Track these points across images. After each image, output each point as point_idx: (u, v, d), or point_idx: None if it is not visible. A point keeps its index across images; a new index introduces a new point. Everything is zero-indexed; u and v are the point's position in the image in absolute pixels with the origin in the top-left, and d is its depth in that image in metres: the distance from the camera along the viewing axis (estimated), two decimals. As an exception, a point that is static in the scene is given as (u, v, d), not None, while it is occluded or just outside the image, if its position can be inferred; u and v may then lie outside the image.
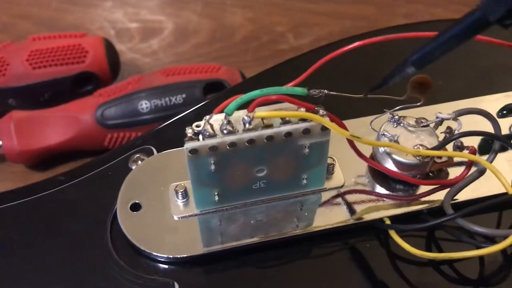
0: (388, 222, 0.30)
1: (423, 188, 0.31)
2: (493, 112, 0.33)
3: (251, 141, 0.27)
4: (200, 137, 0.27)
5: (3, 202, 0.32)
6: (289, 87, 0.27)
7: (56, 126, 0.42)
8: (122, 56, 0.50)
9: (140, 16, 0.55)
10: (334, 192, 0.31)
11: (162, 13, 0.56)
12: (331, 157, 0.31)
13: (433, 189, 0.30)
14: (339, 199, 0.31)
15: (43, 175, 0.43)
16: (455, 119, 0.30)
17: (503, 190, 0.29)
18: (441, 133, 0.31)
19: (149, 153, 0.33)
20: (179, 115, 0.36)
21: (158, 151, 0.33)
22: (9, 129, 0.41)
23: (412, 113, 0.31)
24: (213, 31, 0.54)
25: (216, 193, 0.29)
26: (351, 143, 0.29)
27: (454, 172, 0.31)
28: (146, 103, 0.42)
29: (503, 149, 0.32)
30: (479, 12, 0.23)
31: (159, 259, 0.29)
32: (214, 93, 0.43)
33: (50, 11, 0.55)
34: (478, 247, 0.29)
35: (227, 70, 0.44)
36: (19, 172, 0.44)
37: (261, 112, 0.26)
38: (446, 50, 0.25)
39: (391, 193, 0.31)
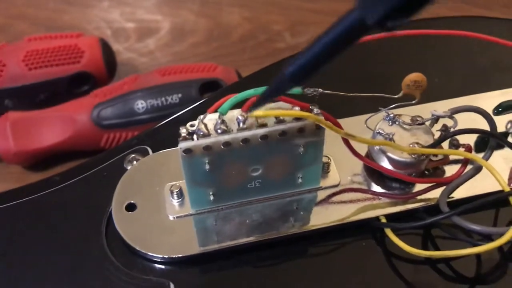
0: (384, 220, 0.30)
1: (419, 186, 0.31)
2: (489, 110, 0.32)
3: (245, 140, 0.27)
4: (194, 136, 0.26)
5: (-2, 203, 0.32)
6: (283, 86, 0.27)
7: (53, 126, 0.42)
8: (119, 56, 0.50)
9: (137, 15, 0.55)
10: (329, 191, 0.31)
11: (159, 13, 0.55)
12: (327, 156, 0.31)
13: (429, 187, 0.30)
14: (335, 198, 0.31)
15: (39, 175, 0.43)
16: (450, 117, 0.30)
17: (499, 188, 0.29)
18: (437, 131, 0.31)
19: (145, 153, 0.33)
20: (174, 115, 0.36)
21: (153, 151, 0.33)
22: (5, 130, 0.41)
23: (407, 111, 0.31)
24: (210, 30, 0.54)
25: (211, 193, 0.29)
26: (346, 141, 0.29)
27: (450, 170, 0.31)
28: (142, 103, 0.42)
29: (499, 146, 0.32)
30: (354, 14, 0.19)
31: (155, 259, 0.29)
32: (211, 93, 0.42)
33: (46, 11, 0.55)
34: (474, 245, 0.29)
35: (223, 69, 0.44)
36: (16, 173, 0.44)
37: (255, 111, 0.26)
38: (323, 63, 0.20)
39: (387, 191, 0.31)
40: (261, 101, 0.24)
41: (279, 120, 0.27)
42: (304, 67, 0.21)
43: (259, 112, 0.26)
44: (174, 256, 0.29)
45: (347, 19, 0.19)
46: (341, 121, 0.28)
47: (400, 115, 0.31)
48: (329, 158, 0.31)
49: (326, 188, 0.31)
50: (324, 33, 0.20)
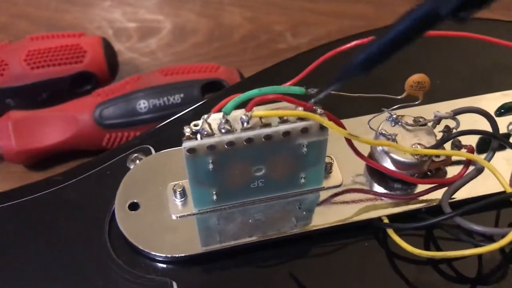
0: (386, 221, 0.30)
1: (421, 187, 0.31)
2: (491, 111, 0.33)
3: (249, 140, 0.27)
4: (198, 136, 0.27)
5: (0, 202, 0.32)
6: (287, 86, 0.27)
7: (54, 126, 0.42)
8: (120, 55, 0.50)
9: (138, 15, 0.55)
10: (332, 191, 0.31)
11: (160, 13, 0.56)
12: (329, 156, 0.31)
13: (431, 188, 0.30)
14: (337, 198, 0.31)
15: (41, 175, 0.43)
16: (453, 118, 0.30)
17: (501, 189, 0.29)
18: (439, 132, 0.31)
19: (147, 153, 0.33)
20: (177, 114, 0.36)
21: (156, 151, 0.33)
22: (7, 129, 0.41)
23: (410, 112, 0.31)
24: (212, 30, 0.54)
25: (214, 193, 0.29)
26: (349, 142, 0.29)
27: (452, 171, 0.31)
28: (144, 103, 0.42)
29: (501, 147, 0.32)
30: (428, 4, 0.20)
31: (158, 258, 0.29)
32: (213, 93, 0.42)
33: (48, 11, 0.55)
34: (476, 246, 0.29)
35: (225, 69, 0.44)
36: (18, 172, 0.44)
37: (259, 111, 0.26)
38: (394, 50, 0.21)
39: (389, 192, 0.31)
40: (327, 87, 0.25)
41: (283, 120, 0.27)
42: (375, 55, 0.22)
43: (262, 112, 0.26)
44: (176, 255, 0.29)
45: (421, 9, 0.20)
46: (344, 121, 0.28)
47: (402, 116, 0.31)
48: (332, 159, 0.31)
49: (328, 188, 0.31)
50: (396, 22, 0.21)
